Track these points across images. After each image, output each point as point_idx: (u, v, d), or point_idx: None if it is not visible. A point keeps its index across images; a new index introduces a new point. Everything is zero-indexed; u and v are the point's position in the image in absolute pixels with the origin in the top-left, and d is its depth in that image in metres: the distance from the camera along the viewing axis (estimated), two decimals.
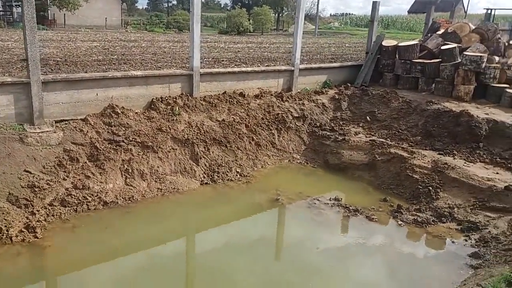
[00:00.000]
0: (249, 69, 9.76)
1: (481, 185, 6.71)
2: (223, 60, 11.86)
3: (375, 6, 11.70)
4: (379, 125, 9.36)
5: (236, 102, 8.89)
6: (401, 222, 6.38)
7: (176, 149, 7.54)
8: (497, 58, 10.05)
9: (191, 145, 7.69)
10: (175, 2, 78.24)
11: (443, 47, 10.27)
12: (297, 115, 9.37)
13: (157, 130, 7.49)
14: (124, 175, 6.87)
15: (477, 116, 8.32)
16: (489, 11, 22.69)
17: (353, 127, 9.39)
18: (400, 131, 8.91)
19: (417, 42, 11.18)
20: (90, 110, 7.29)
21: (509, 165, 7.29)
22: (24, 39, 6.38)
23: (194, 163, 7.60)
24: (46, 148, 6.45)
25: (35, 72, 6.51)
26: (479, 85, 9.61)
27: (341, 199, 7.07)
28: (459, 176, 7.00)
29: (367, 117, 9.65)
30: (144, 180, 6.97)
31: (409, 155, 7.76)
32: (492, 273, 4.72)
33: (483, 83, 9.61)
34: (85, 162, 6.63)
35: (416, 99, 9.61)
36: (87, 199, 6.25)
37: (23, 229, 5.41)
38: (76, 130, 6.88)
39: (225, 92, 8.98)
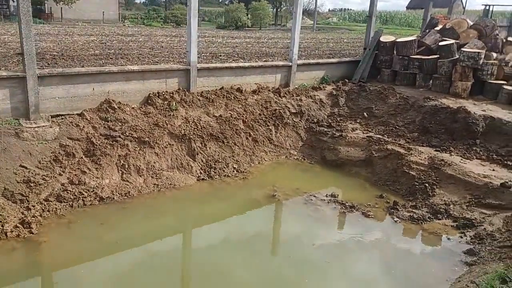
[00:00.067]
0: (247, 64, 9.72)
1: (477, 182, 6.72)
2: (220, 55, 11.82)
3: (373, 1, 11.68)
4: (376, 121, 9.35)
5: (234, 97, 8.86)
6: (397, 219, 6.41)
7: (172, 145, 7.53)
8: (494, 55, 10.05)
9: (188, 141, 7.67)
10: None
11: (441, 43, 10.26)
12: (295, 111, 9.34)
13: (154, 126, 7.47)
14: (121, 170, 6.85)
15: (474, 112, 8.33)
16: (487, 7, 22.65)
17: (350, 123, 9.38)
18: (397, 127, 8.91)
19: (415, 38, 11.15)
20: (86, 105, 7.26)
21: (505, 162, 7.30)
22: (19, 33, 6.34)
23: (191, 159, 7.59)
24: (42, 143, 6.42)
25: (31, 66, 6.48)
26: (477, 82, 9.62)
27: (338, 195, 7.08)
28: (456, 173, 7.02)
29: (365, 113, 9.65)
30: (140, 176, 6.96)
31: (406, 152, 7.77)
32: (486, 270, 4.74)
33: (480, 80, 9.62)
34: (81, 158, 6.60)
35: (414, 95, 9.61)
36: (83, 194, 6.23)
37: (18, 225, 5.40)
38: (72, 125, 6.85)
39: (222, 88, 8.95)
